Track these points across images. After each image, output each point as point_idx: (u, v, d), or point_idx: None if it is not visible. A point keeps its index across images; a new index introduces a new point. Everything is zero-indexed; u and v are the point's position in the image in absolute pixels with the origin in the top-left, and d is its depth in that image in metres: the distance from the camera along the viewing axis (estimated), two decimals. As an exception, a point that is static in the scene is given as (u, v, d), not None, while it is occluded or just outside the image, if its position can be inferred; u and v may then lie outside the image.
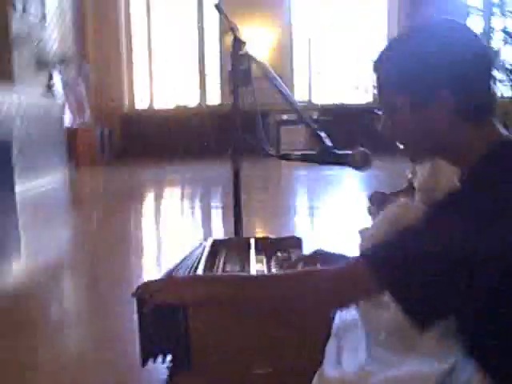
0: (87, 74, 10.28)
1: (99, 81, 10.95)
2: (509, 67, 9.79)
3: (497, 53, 9.56)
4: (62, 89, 9.54)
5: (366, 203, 3.20)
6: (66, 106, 9.49)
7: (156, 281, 1.25)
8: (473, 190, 0.96)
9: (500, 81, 9.48)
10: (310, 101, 11.23)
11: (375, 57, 1.10)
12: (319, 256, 1.44)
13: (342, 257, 1.33)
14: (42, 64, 8.64)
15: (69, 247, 4.27)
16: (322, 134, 1.65)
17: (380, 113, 1.11)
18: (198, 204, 6.17)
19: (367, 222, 2.95)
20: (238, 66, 2.05)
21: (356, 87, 11.20)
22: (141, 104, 11.82)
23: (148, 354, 1.26)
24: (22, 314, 2.52)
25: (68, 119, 9.67)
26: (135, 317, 2.28)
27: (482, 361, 0.99)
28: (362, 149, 1.56)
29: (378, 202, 2.85)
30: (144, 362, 1.26)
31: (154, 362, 1.28)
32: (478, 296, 0.93)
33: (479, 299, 0.93)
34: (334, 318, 1.23)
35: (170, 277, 1.30)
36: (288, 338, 1.18)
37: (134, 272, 3.24)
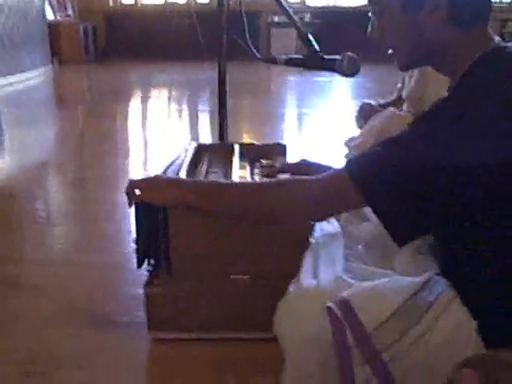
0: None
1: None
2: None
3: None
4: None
5: (354, 112, 3.18)
6: (47, 0, 9.05)
7: (140, 180, 1.25)
8: (459, 100, 0.93)
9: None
10: (303, 2, 10.79)
11: None
12: (303, 165, 1.43)
13: (327, 168, 1.32)
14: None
15: (54, 145, 4.22)
16: (311, 38, 1.59)
17: (370, 15, 1.06)
18: (185, 107, 6.07)
19: (354, 131, 2.94)
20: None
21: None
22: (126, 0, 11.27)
23: (143, 255, 1.27)
24: (5, 212, 2.53)
25: (50, 13, 9.26)
26: (120, 218, 2.33)
27: (455, 278, 1.01)
28: (350, 54, 1.50)
29: (365, 113, 2.83)
30: (139, 263, 1.27)
31: (149, 264, 1.31)
32: (456, 210, 0.93)
33: (457, 214, 0.94)
34: (313, 228, 1.24)
35: (153, 176, 1.29)
36: (267, 246, 1.19)
37: (119, 173, 3.23)
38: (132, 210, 1.25)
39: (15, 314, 1.62)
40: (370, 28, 1.05)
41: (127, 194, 1.23)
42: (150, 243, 1.26)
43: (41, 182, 3.17)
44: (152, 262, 1.32)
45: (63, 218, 2.54)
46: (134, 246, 1.31)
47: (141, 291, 1.34)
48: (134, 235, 1.30)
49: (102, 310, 1.61)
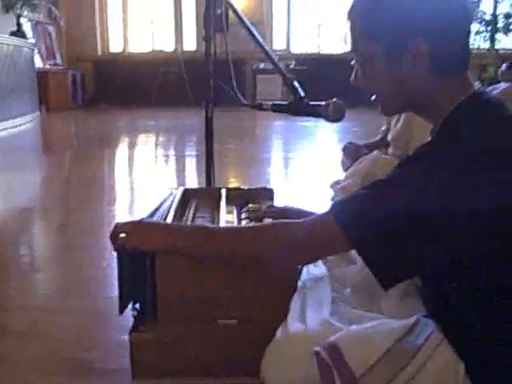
0: (57, 16, 9.89)
1: (71, 23, 10.57)
2: (487, 18, 9.75)
3: (476, 3, 9.49)
4: (32, 31, 9.22)
5: (339, 155, 3.22)
6: (36, 49, 9.19)
7: (126, 223, 1.24)
8: (442, 145, 0.95)
9: (478, 32, 9.46)
10: (287, 49, 11.07)
11: (350, 4, 1.07)
12: (287, 211, 1.43)
13: (311, 214, 1.33)
14: (9, 5, 8.31)
15: (39, 191, 4.21)
16: (296, 84, 1.63)
17: (352, 63, 1.09)
18: (171, 152, 6.11)
19: (340, 174, 2.97)
20: (211, 11, 1.99)
21: (335, 37, 11.03)
22: (115, 48, 11.48)
23: (126, 301, 1.25)
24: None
25: (39, 61, 9.39)
26: (104, 264, 2.31)
27: (443, 320, 1.01)
28: (335, 100, 1.54)
29: (351, 153, 2.86)
30: (121, 309, 1.26)
31: (133, 309, 1.29)
32: (443, 254, 0.94)
33: (444, 258, 0.94)
34: (301, 272, 1.24)
35: (138, 220, 1.28)
36: (254, 290, 1.18)
37: (105, 219, 3.22)
38: (115, 255, 1.24)
39: (0, 359, 1.59)
40: (353, 75, 1.08)
41: (112, 238, 1.21)
42: (135, 288, 1.24)
43: (26, 227, 3.15)
44: (137, 307, 1.30)
45: (47, 263, 2.51)
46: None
47: (126, 337, 1.31)
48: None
49: (86, 357, 1.58)
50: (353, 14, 1.05)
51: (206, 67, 2.23)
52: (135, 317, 1.26)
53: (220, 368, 1.22)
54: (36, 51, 9.19)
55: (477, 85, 1.04)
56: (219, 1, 2.07)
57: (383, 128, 3.03)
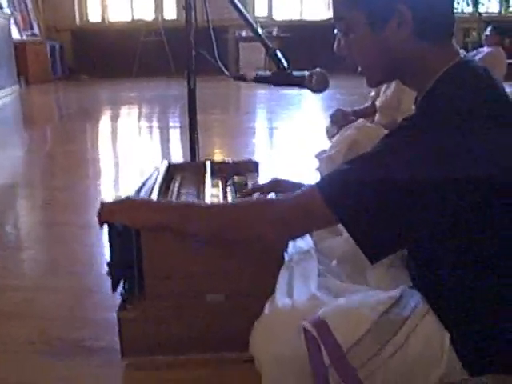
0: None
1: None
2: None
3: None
4: (7, 0, 8.97)
5: (324, 124, 3.20)
6: (12, 19, 8.96)
7: (112, 202, 1.23)
8: (426, 117, 0.94)
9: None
10: (270, 16, 10.90)
11: None
12: (275, 184, 1.42)
13: (298, 185, 1.33)
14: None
15: (21, 167, 4.15)
16: (279, 55, 1.60)
17: (335, 32, 1.07)
18: (155, 124, 6.04)
19: (325, 143, 2.96)
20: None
21: (318, 2, 10.87)
22: (93, 17, 11.22)
23: (118, 278, 1.25)
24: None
25: (15, 32, 9.17)
26: (90, 241, 2.29)
27: (428, 292, 1.02)
28: (318, 70, 1.51)
29: (338, 120, 2.85)
30: (114, 287, 1.25)
31: (123, 287, 1.29)
32: (430, 226, 0.94)
33: (431, 229, 0.94)
34: (287, 245, 1.24)
35: (124, 198, 1.27)
36: (241, 265, 1.19)
37: (90, 194, 3.19)
38: (105, 233, 1.23)
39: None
40: (336, 44, 1.06)
41: (99, 216, 1.21)
42: (124, 266, 1.24)
43: (9, 204, 3.11)
44: (125, 285, 1.30)
45: (32, 241, 2.49)
46: (107, 269, 1.28)
47: (114, 315, 1.31)
48: (107, 258, 1.28)
49: (75, 335, 1.58)
50: None
51: (187, 38, 2.19)
52: (123, 295, 1.26)
53: (209, 343, 1.23)
54: (12, 21, 8.96)
55: (462, 52, 1.02)
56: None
57: (372, 94, 3.01)
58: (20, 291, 1.90)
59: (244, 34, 9.68)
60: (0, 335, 1.60)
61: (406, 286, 1.05)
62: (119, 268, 1.25)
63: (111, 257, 1.24)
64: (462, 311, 0.97)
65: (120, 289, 1.27)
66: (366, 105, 3.06)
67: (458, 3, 9.52)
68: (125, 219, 1.18)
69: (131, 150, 4.46)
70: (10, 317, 1.72)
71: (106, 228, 1.23)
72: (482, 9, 9.84)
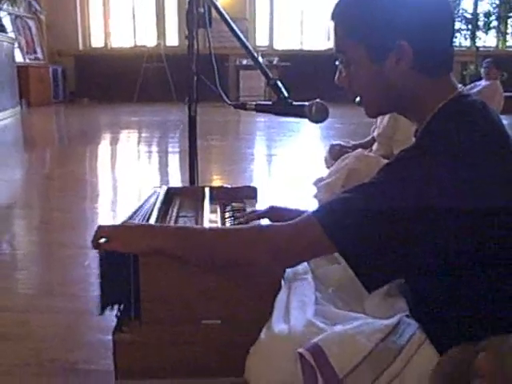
0: (38, 10, 9.76)
1: (52, 17, 10.44)
2: (468, 16, 9.85)
3: (457, 2, 9.58)
4: (12, 25, 9.11)
5: (323, 152, 3.23)
6: (16, 43, 9.07)
7: (109, 226, 1.23)
8: (424, 149, 0.96)
9: (459, 30, 9.55)
10: (271, 46, 11.06)
11: (334, 5, 1.07)
12: (273, 212, 1.43)
13: (296, 212, 1.33)
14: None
15: (20, 188, 4.16)
16: (279, 84, 1.62)
17: (337, 63, 1.09)
18: (154, 148, 6.07)
19: (323, 171, 2.98)
20: (194, 7, 1.98)
21: (317, 33, 11.04)
22: (96, 42, 11.37)
23: (106, 302, 1.25)
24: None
25: (19, 56, 9.27)
26: (86, 262, 2.29)
27: (425, 321, 1.02)
28: (318, 100, 1.54)
29: (335, 154, 2.88)
30: (102, 310, 1.25)
31: (111, 310, 1.28)
32: (428, 256, 0.94)
33: (429, 259, 0.95)
34: (284, 271, 1.24)
35: (123, 224, 1.27)
36: (238, 291, 1.18)
37: (87, 216, 3.20)
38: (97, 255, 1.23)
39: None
40: (337, 75, 1.08)
41: (94, 241, 1.19)
42: (117, 289, 1.24)
43: (7, 224, 3.11)
44: (120, 307, 1.29)
45: (29, 262, 2.48)
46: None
47: (109, 338, 1.31)
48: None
49: (69, 357, 1.57)
50: (336, 16, 1.06)
51: (189, 66, 2.22)
52: (118, 317, 1.25)
53: (204, 369, 1.22)
54: (16, 45, 9.07)
55: (460, 87, 1.05)
56: (201, -1, 2.06)
57: (373, 127, 3.04)
58: (14, 312, 1.89)
59: (245, 62, 9.80)
60: (-7, 356, 1.59)
61: (403, 315, 1.05)
62: (110, 291, 1.24)
63: (101, 280, 1.24)
64: (458, 342, 0.97)
65: (116, 311, 1.26)
66: (367, 139, 3.09)
67: (456, 37, 9.67)
68: (121, 246, 1.17)
69: (130, 173, 4.48)
70: (3, 338, 1.71)
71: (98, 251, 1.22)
72: (479, 43, 10.00)
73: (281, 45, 11.06)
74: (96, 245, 1.17)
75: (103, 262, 1.21)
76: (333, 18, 1.06)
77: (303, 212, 1.31)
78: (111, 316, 1.33)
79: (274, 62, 10.02)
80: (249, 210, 1.59)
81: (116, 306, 1.28)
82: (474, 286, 0.96)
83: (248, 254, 1.07)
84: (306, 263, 1.31)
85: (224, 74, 9.24)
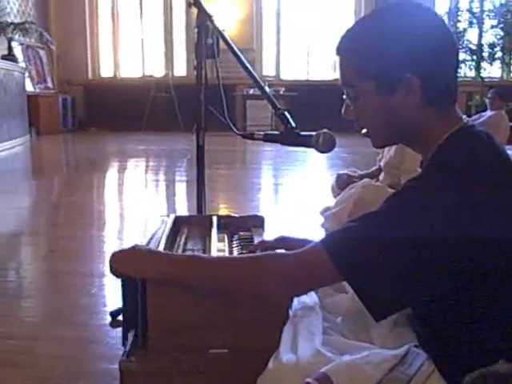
0: (49, 41, 9.95)
1: (62, 48, 10.63)
2: (473, 48, 9.94)
3: (462, 33, 9.69)
4: (23, 55, 9.28)
5: (329, 182, 3.24)
6: (27, 73, 9.23)
7: (119, 251, 1.23)
8: (430, 179, 0.97)
9: (464, 61, 9.64)
10: (277, 76, 11.18)
11: (338, 40, 1.08)
12: (282, 242, 1.43)
13: (304, 241, 1.33)
14: (1, 29, 8.38)
15: (28, 216, 4.18)
16: (287, 115, 1.64)
17: (344, 97, 1.10)
18: (162, 177, 6.10)
19: (329, 201, 2.99)
20: (202, 39, 2.02)
21: (324, 63, 11.16)
22: (105, 72, 11.55)
23: (128, 329, 1.25)
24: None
25: (29, 85, 9.43)
26: (93, 291, 2.28)
27: (434, 351, 1.01)
28: (325, 131, 1.55)
29: (343, 184, 2.89)
30: (124, 338, 1.25)
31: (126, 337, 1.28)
32: (436, 287, 0.94)
33: (435, 291, 0.95)
34: (292, 301, 1.24)
35: (131, 247, 1.28)
36: (246, 320, 1.18)
37: (94, 245, 3.20)
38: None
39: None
40: (344, 108, 1.10)
41: (111, 266, 1.20)
42: (130, 317, 1.24)
43: (13, 252, 3.12)
44: (128, 336, 1.29)
45: (35, 290, 2.48)
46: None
47: (113, 367, 1.30)
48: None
49: (74, 387, 1.56)
50: (342, 50, 1.07)
51: (197, 96, 2.25)
52: (126, 346, 1.25)
53: (211, 399, 1.21)
54: (27, 75, 9.22)
55: (465, 117, 1.06)
56: (211, 29, 2.10)
57: (379, 157, 3.06)
58: (20, 339, 1.88)
59: (251, 91, 9.90)
60: (-2, 385, 1.59)
61: (412, 345, 1.04)
62: (129, 319, 1.24)
63: (124, 308, 1.24)
64: (468, 372, 0.96)
65: (122, 339, 1.26)
66: (373, 168, 3.10)
67: (461, 68, 9.76)
68: (129, 269, 1.18)
69: (137, 201, 4.49)
70: (8, 365, 1.70)
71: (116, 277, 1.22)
72: (484, 74, 10.07)
73: (287, 75, 11.18)
74: (111, 268, 1.18)
75: (125, 288, 1.21)
76: (338, 52, 1.07)
77: (312, 241, 1.32)
78: (117, 345, 1.32)
79: (281, 92, 10.11)
80: (258, 239, 1.59)
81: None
82: (483, 316, 0.95)
83: (257, 282, 1.07)
84: (313, 293, 1.31)
85: (231, 104, 9.31)
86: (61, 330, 1.97)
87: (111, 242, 3.21)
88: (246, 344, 1.18)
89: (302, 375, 0.95)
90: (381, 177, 2.92)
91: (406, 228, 0.93)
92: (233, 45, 1.88)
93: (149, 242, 1.47)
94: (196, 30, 2.09)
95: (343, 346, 1.07)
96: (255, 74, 1.81)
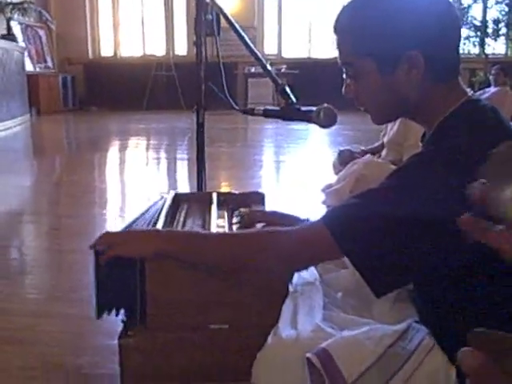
0: (48, 20, 9.86)
1: (62, 27, 10.54)
2: (477, 24, 9.83)
3: (466, 9, 9.58)
4: (22, 34, 9.21)
5: (331, 159, 3.22)
6: (26, 52, 9.17)
7: (115, 233, 1.23)
8: (434, 154, 0.95)
9: (468, 37, 9.54)
10: (279, 54, 11.08)
11: (335, 18, 1.04)
12: (276, 217, 1.42)
13: (297, 219, 1.33)
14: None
15: (30, 195, 4.18)
16: (287, 90, 1.62)
17: (344, 76, 1.08)
18: (163, 155, 6.09)
19: (331, 178, 2.97)
20: (202, 15, 1.99)
21: (325, 41, 11.05)
22: (106, 51, 11.45)
23: (103, 307, 1.25)
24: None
25: (29, 65, 9.37)
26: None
27: (434, 326, 1.01)
28: (326, 105, 1.53)
29: (345, 160, 2.87)
30: (99, 314, 1.25)
31: (109, 314, 1.28)
32: (435, 264, 0.94)
33: (436, 267, 0.94)
34: (292, 277, 1.23)
35: (129, 230, 1.28)
36: (245, 295, 1.18)
37: (96, 223, 3.20)
38: (91, 260, 1.21)
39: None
40: (344, 87, 1.07)
41: (95, 246, 1.19)
42: (116, 294, 1.23)
43: (16, 230, 3.13)
44: (127, 312, 1.29)
45: (37, 267, 2.49)
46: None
47: (115, 343, 1.30)
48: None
49: (74, 362, 1.57)
50: (340, 29, 1.03)
51: (197, 73, 2.22)
52: (124, 322, 1.25)
53: (211, 374, 1.21)
54: (26, 54, 9.16)
55: (470, 91, 1.04)
56: (210, 6, 2.07)
57: (382, 133, 3.04)
58: (22, 316, 1.89)
59: (253, 70, 9.83)
60: (0, 360, 1.59)
61: (412, 321, 1.04)
62: (108, 296, 1.24)
63: (97, 284, 1.23)
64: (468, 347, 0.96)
65: (122, 316, 1.26)
66: (376, 144, 3.08)
67: (465, 44, 9.66)
68: (130, 251, 1.17)
69: (138, 180, 4.49)
70: (10, 342, 1.71)
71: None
72: (488, 50, 9.97)
73: (289, 53, 11.08)
74: (97, 251, 1.17)
75: (103, 266, 1.20)
76: (336, 31, 1.04)
77: (302, 220, 1.31)
78: (118, 321, 1.33)
79: (283, 70, 10.03)
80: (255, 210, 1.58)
81: (114, 311, 1.28)
82: (483, 291, 0.95)
83: (256, 258, 1.06)
84: (313, 269, 1.31)
85: (232, 82, 9.26)
86: (63, 306, 1.98)
87: (113, 220, 3.22)
88: (246, 319, 1.18)
89: (302, 351, 0.95)
90: (383, 153, 2.90)
91: (407, 204, 0.91)
92: (233, 21, 1.85)
93: (140, 217, 1.47)
94: (195, 7, 2.06)
95: (343, 322, 1.07)
96: (256, 51, 1.78)
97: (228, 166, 5.11)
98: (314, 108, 1.55)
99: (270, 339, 1.02)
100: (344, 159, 2.89)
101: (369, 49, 0.99)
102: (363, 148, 3.06)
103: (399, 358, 0.95)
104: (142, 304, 1.21)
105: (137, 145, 6.94)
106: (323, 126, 1.54)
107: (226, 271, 1.15)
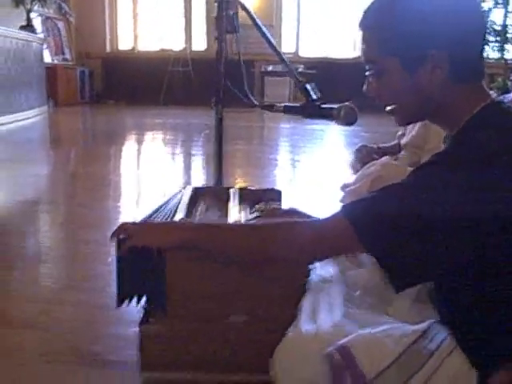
0: (67, 12, 9.92)
1: (81, 20, 10.59)
2: (497, 28, 9.75)
3: (487, 13, 9.50)
4: (41, 26, 9.28)
5: (348, 159, 3.21)
6: (45, 44, 9.24)
7: (135, 223, 1.24)
8: (457, 155, 0.94)
9: (487, 42, 9.46)
10: (296, 53, 11.06)
11: (362, 14, 1.03)
12: (294, 214, 1.42)
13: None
14: (19, 0, 8.36)
15: (46, 185, 4.22)
16: (308, 87, 1.62)
17: (366, 74, 1.07)
18: (178, 150, 6.11)
19: (347, 178, 2.96)
20: (223, 11, 1.99)
21: (343, 41, 11.01)
22: (124, 45, 11.50)
23: (124, 295, 1.26)
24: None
25: (48, 56, 9.44)
26: (110, 258, 2.31)
27: (455, 328, 1.00)
28: (348, 103, 1.53)
29: (363, 157, 2.85)
30: (119, 303, 1.26)
31: (129, 303, 1.30)
32: (456, 262, 0.93)
33: (457, 265, 0.94)
34: (310, 272, 1.24)
35: (148, 221, 1.30)
36: (265, 288, 1.18)
37: (111, 215, 3.22)
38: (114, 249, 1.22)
39: (2, 349, 1.60)
40: (366, 85, 1.06)
41: (115, 235, 1.19)
42: (136, 283, 1.24)
43: (32, 219, 3.15)
44: (148, 300, 1.30)
45: (53, 256, 2.51)
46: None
47: (130, 331, 1.32)
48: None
49: (91, 348, 1.59)
50: (365, 26, 1.03)
51: (217, 68, 2.22)
52: (145, 309, 1.26)
53: (229, 364, 1.22)
54: (45, 46, 9.22)
55: (493, 93, 1.03)
56: (231, 2, 2.07)
57: (399, 133, 3.02)
58: (37, 303, 1.91)
59: (270, 68, 9.82)
60: (13, 345, 1.61)
61: (433, 321, 1.03)
62: (130, 285, 1.25)
63: (119, 273, 1.24)
64: (490, 350, 0.95)
65: (143, 303, 1.27)
66: (393, 143, 3.06)
67: (485, 49, 9.57)
68: (150, 241, 1.17)
69: (153, 173, 4.51)
70: (27, 326, 1.73)
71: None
72: (507, 55, 9.88)
73: (306, 52, 11.05)
74: (117, 237, 1.18)
75: (123, 256, 1.21)
76: (361, 27, 1.03)
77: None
78: (131, 310, 1.34)
79: (300, 70, 10.00)
80: (273, 206, 1.59)
81: (135, 300, 1.29)
82: (505, 293, 0.94)
83: (278, 248, 1.06)
84: (331, 266, 1.31)
85: (249, 80, 9.23)
86: (77, 295, 1.99)
87: (127, 213, 3.23)
88: (265, 312, 1.18)
89: (321, 346, 0.95)
90: (400, 155, 2.88)
91: (427, 202, 0.91)
92: (255, 17, 1.86)
93: (159, 210, 1.48)
94: (216, 4, 2.06)
95: (363, 320, 1.06)
96: (278, 48, 1.78)
97: (244, 164, 5.11)
98: (334, 106, 1.54)
99: (290, 332, 1.02)
100: (362, 158, 2.88)
101: (394, 47, 0.99)
102: (380, 145, 3.04)
103: (420, 357, 0.95)
104: (162, 293, 1.22)
105: (153, 139, 6.96)
106: (344, 124, 1.53)
107: (247, 262, 1.15)
